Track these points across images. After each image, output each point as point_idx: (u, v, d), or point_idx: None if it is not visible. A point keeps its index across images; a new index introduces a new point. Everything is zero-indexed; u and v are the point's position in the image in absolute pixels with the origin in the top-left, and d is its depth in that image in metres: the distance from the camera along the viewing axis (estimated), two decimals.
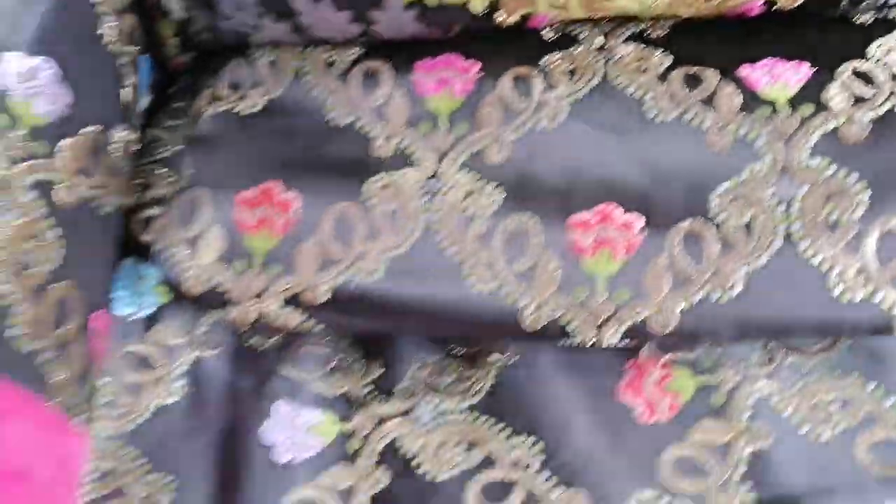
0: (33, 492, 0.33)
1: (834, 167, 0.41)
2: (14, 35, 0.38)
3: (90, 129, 0.41)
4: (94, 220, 0.41)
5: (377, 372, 0.46)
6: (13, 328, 0.33)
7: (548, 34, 0.47)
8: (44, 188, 0.37)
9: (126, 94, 0.46)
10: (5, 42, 0.37)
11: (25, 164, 0.36)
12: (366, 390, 0.45)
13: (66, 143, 0.39)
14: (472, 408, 0.44)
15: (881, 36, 0.45)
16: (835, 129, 0.42)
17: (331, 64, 0.47)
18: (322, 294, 0.42)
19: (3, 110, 0.36)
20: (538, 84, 0.45)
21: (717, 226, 0.41)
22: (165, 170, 0.48)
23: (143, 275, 0.47)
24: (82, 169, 0.40)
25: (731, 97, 0.43)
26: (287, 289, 0.42)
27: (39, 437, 0.34)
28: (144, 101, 0.51)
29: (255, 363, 0.46)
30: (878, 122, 0.41)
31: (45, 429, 0.34)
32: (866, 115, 0.42)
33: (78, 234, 0.39)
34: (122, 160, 0.46)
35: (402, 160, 0.44)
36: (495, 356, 0.45)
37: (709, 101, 0.43)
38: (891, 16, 0.46)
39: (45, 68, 0.39)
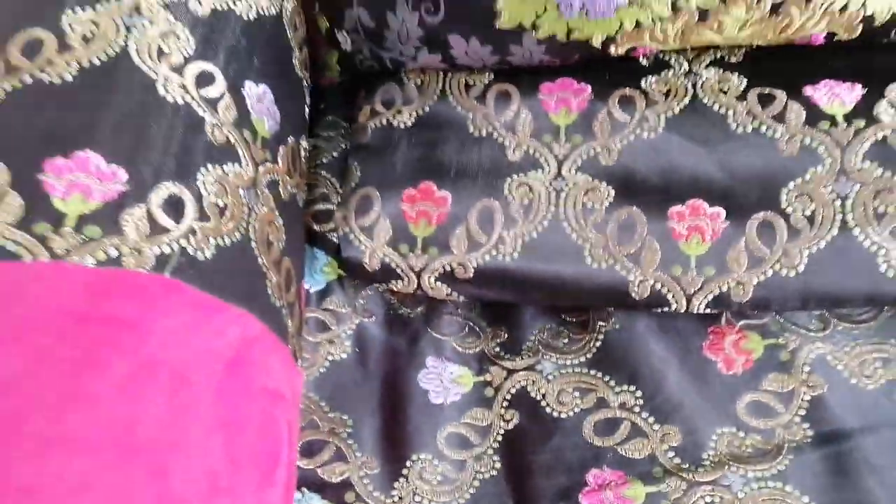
0: (286, 408, 0.44)
1: (881, 169, 0.51)
2: (249, 67, 0.49)
3: (291, 139, 0.53)
4: (296, 211, 0.53)
5: (503, 335, 0.57)
6: (268, 289, 0.45)
7: (643, 61, 0.58)
8: (273, 186, 0.49)
9: (307, 111, 0.58)
10: (244, 72, 0.49)
11: (263, 167, 0.48)
12: (496, 350, 0.56)
13: (281, 150, 0.51)
14: (584, 363, 0.55)
15: None
16: (884, 139, 0.52)
17: (469, 86, 0.59)
18: (469, 270, 0.54)
19: (249, 126, 0.48)
20: (640, 103, 0.56)
21: (786, 217, 0.51)
22: (325, 173, 0.60)
23: (315, 257, 0.60)
24: (289, 171, 0.52)
25: (797, 113, 0.53)
26: (442, 267, 0.54)
27: (286, 370, 0.45)
28: None
29: (405, 327, 0.58)
30: None
31: (288, 365, 0.46)
32: None
33: (290, 221, 0.51)
34: (305, 164, 0.57)
35: (530, 164, 0.55)
36: (601, 323, 0.56)
37: (780, 116, 0.54)
38: None
39: (268, 93, 0.51)
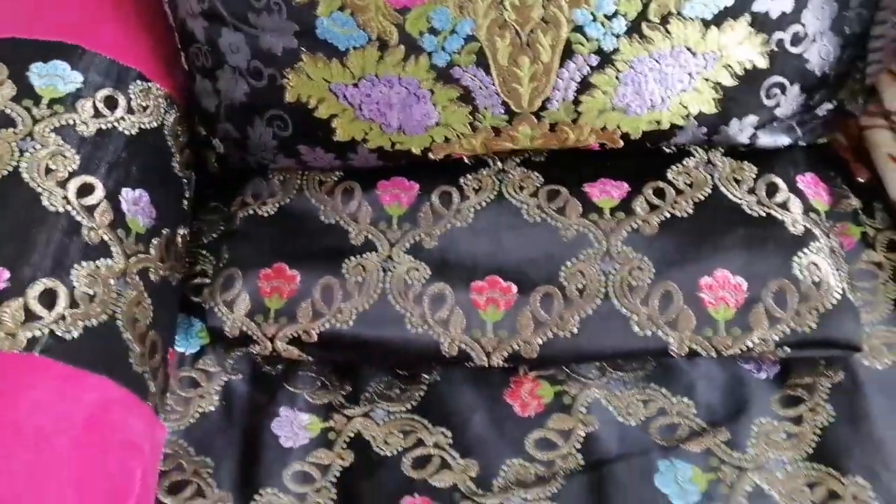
0: (145, 460, 0.55)
1: (634, 252, 0.65)
2: (128, 176, 0.61)
3: (166, 231, 0.65)
4: (167, 290, 0.64)
5: (347, 388, 0.69)
6: (131, 359, 0.56)
7: (466, 160, 0.71)
8: (144, 273, 0.60)
9: (187, 204, 0.70)
10: (122, 181, 0.61)
11: (135, 258, 0.59)
12: (340, 400, 0.68)
13: (155, 242, 0.62)
14: (409, 410, 0.67)
15: (677, 161, 0.70)
16: (637, 228, 0.66)
17: (322, 182, 0.71)
18: (313, 336, 0.65)
19: (123, 226, 0.59)
20: (455, 197, 0.69)
21: (563, 289, 0.64)
22: (206, 252, 0.72)
23: (192, 324, 0.71)
24: (162, 258, 0.63)
25: (575, 206, 0.67)
26: (290, 333, 0.65)
27: (146, 425, 0.56)
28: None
29: (267, 383, 0.69)
30: (664, 223, 0.66)
31: (149, 420, 0.57)
32: (656, 219, 0.66)
33: (159, 300, 0.62)
34: (182, 249, 0.69)
35: (367, 247, 0.68)
36: (425, 376, 0.68)
37: (561, 210, 0.68)
38: (689, 147, 0.71)
39: (144, 196, 0.62)
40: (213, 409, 0.67)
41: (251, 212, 0.71)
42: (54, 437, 0.47)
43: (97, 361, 0.52)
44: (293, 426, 0.67)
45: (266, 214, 0.71)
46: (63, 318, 0.52)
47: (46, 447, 0.46)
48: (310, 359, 0.68)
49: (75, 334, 0.52)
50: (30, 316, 0.50)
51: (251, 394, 0.68)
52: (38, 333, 0.50)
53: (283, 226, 0.70)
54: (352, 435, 0.66)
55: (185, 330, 0.70)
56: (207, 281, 0.69)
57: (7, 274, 0.51)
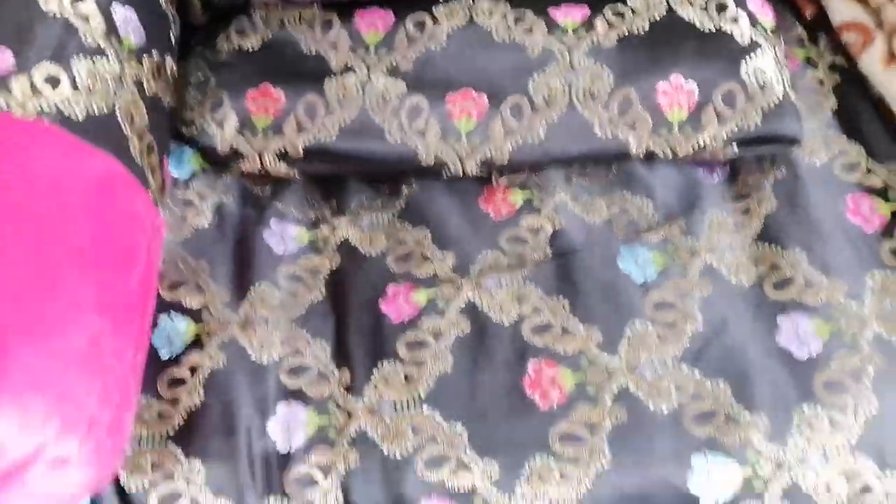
0: (147, 235, 0.59)
1: (595, 62, 0.70)
2: None
3: (156, 54, 0.69)
4: (160, 108, 0.68)
5: (332, 204, 0.74)
6: (131, 150, 0.60)
7: None
8: (138, 84, 0.64)
9: (172, 38, 0.74)
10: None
11: (129, 66, 0.63)
12: (326, 214, 0.73)
13: (146, 60, 0.66)
14: (392, 217, 0.72)
15: None
16: (597, 42, 0.71)
17: (302, 17, 0.76)
18: (298, 150, 0.70)
19: (116, 38, 0.63)
20: (429, 24, 0.74)
21: (531, 99, 0.70)
22: (193, 91, 0.76)
23: (184, 151, 0.75)
24: (154, 77, 0.68)
25: (541, 26, 0.72)
26: (277, 148, 0.70)
27: (147, 210, 0.61)
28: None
29: (256, 202, 0.74)
30: (622, 39, 0.71)
31: (149, 207, 0.61)
32: (615, 35, 0.71)
33: (153, 112, 0.66)
34: (171, 79, 0.73)
35: (346, 70, 0.72)
36: (405, 187, 0.73)
37: (529, 30, 0.73)
38: None
39: (133, 16, 0.66)
40: (207, 224, 0.72)
41: (236, 46, 0.75)
42: (68, 190, 0.51)
43: (101, 140, 0.56)
44: (283, 236, 0.71)
45: (250, 48, 0.75)
46: (67, 98, 0.56)
47: (62, 197, 0.51)
48: (296, 176, 0.73)
49: (80, 115, 0.56)
50: (36, 91, 0.54)
51: (242, 211, 0.73)
52: (45, 107, 0.54)
53: (267, 55, 0.74)
54: (339, 241, 0.71)
55: (179, 157, 0.74)
56: (194, 113, 0.73)
57: (11, 54, 0.54)
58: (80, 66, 0.59)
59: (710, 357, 0.62)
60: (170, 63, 0.73)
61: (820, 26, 0.81)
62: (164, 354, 0.64)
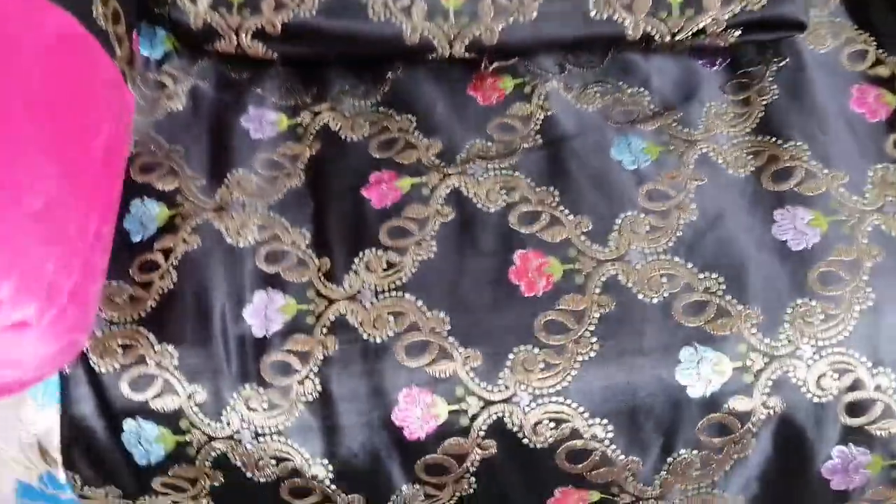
0: (112, 101, 0.56)
1: None
2: None
3: None
4: None
5: (313, 91, 0.70)
6: (93, 12, 0.56)
7: None
8: None
9: None
10: None
11: None
12: (307, 100, 0.69)
13: None
14: (376, 103, 0.68)
15: None
16: None
17: None
18: (276, 27, 0.66)
19: None
20: None
21: None
22: None
23: (155, 32, 0.70)
24: None
25: None
26: (254, 25, 0.66)
27: (111, 77, 0.57)
28: None
29: (233, 87, 0.70)
30: None
31: (116, 79, 0.57)
32: None
33: None
34: None
35: None
36: (390, 73, 0.69)
37: None
38: None
39: None
40: (181, 108, 0.68)
41: None
42: (21, 42, 0.47)
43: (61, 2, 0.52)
44: (262, 121, 0.68)
45: None
46: None
47: (13, 46, 0.47)
48: (276, 59, 0.69)
49: None
50: None
51: (218, 95, 0.69)
52: None
53: None
54: (319, 127, 0.67)
55: (150, 36, 0.70)
56: None
57: None
58: None
59: (703, 248, 0.60)
60: None
61: None
62: (136, 237, 0.61)
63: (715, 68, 0.69)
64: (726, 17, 0.65)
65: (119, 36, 0.59)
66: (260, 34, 0.66)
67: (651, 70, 0.69)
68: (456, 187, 0.63)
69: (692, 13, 0.65)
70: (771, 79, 0.67)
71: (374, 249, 0.60)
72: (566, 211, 0.62)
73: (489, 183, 0.63)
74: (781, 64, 0.68)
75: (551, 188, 0.62)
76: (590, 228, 0.61)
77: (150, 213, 0.62)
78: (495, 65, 0.68)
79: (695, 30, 0.65)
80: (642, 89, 0.68)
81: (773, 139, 0.65)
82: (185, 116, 0.68)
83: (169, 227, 0.61)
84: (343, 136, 0.66)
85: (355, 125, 0.67)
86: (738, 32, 0.66)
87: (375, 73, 0.70)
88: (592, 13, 0.65)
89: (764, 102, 0.66)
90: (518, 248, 0.60)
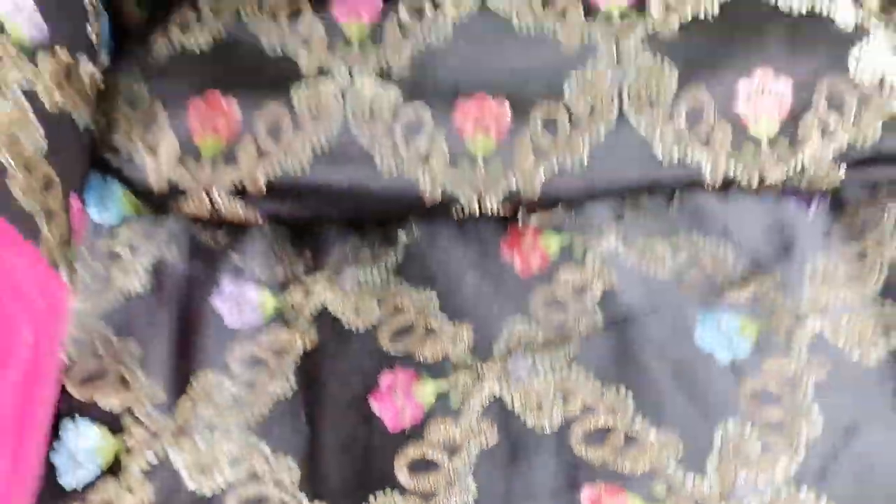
0: (37, 317, 0.41)
1: (653, 56, 0.52)
2: None
3: (63, 54, 0.51)
4: (67, 127, 0.50)
5: (306, 256, 0.56)
6: (13, 188, 0.42)
7: None
8: (31, 94, 0.46)
9: (90, 34, 0.56)
10: None
11: (16, 70, 0.45)
12: (298, 271, 0.55)
13: (47, 61, 0.48)
14: (384, 274, 0.54)
15: None
16: (653, 29, 0.53)
17: (261, 5, 0.57)
18: (259, 182, 0.52)
19: (6, 35, 0.45)
20: (429, 10, 0.56)
21: (568, 108, 0.52)
22: (125, 107, 0.57)
23: (109, 188, 0.57)
24: (59, 84, 0.49)
25: (577, 10, 0.54)
26: (231, 181, 0.52)
27: (37, 274, 0.43)
28: (105, 59, 0.60)
29: (207, 255, 0.55)
30: (685, 25, 0.53)
31: (42, 270, 0.43)
32: (676, 19, 0.53)
33: (58, 134, 0.48)
34: (90, 89, 0.55)
35: (321, 74, 0.54)
36: (402, 234, 0.55)
37: (562, 14, 0.54)
38: None
39: (29, 3, 0.48)
40: (140, 288, 0.53)
41: (178, 45, 0.56)
42: None
43: None
44: (239, 302, 0.53)
45: (197, 49, 0.56)
46: None
47: None
48: (258, 219, 0.55)
49: None
50: None
51: (187, 270, 0.54)
52: None
53: (217, 57, 0.56)
54: (314, 310, 0.53)
55: (101, 195, 0.56)
56: (122, 135, 0.55)
57: None
58: None
59: (838, 475, 0.44)
60: (87, 68, 0.54)
61: None
62: (67, 479, 0.45)
63: (812, 209, 0.55)
64: (831, 153, 0.51)
65: (51, 210, 0.46)
66: (238, 192, 0.52)
67: (731, 217, 0.54)
68: (496, 395, 0.48)
69: (787, 149, 0.51)
70: (892, 226, 0.52)
71: (390, 493, 0.45)
72: (646, 423, 0.46)
73: (539, 385, 0.47)
74: None
75: (622, 389, 0.47)
76: (680, 450, 0.45)
77: (87, 444, 0.46)
78: (535, 218, 0.54)
79: (791, 169, 0.51)
80: (724, 242, 0.53)
81: None
82: (144, 300, 0.53)
83: (113, 468, 0.46)
84: (345, 323, 0.52)
85: (360, 306, 0.52)
86: (843, 170, 0.52)
87: (385, 232, 0.55)
88: (659, 153, 0.51)
89: (887, 257, 0.52)
90: (586, 482, 0.44)
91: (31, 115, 0.46)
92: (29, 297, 0.41)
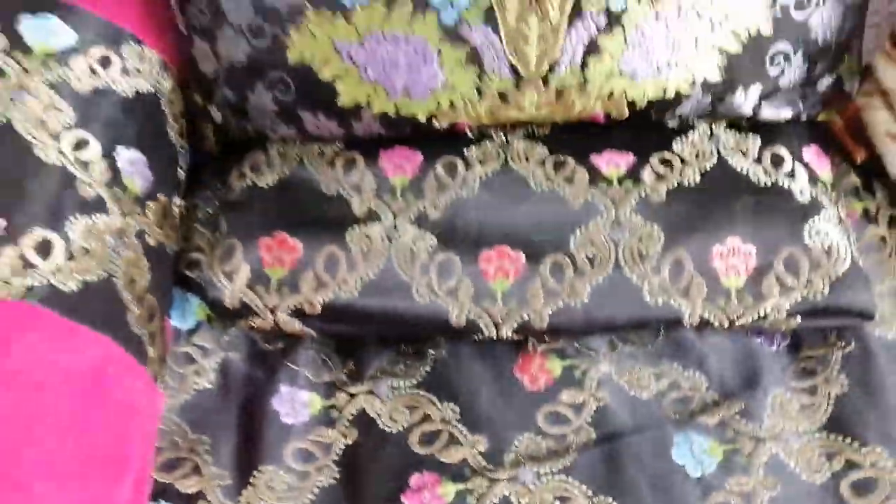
0: (142, 422, 0.51)
1: (644, 220, 0.64)
2: (123, 136, 0.59)
3: (162, 197, 0.62)
4: (164, 257, 0.62)
5: (350, 367, 0.66)
6: (130, 321, 0.53)
7: (469, 133, 0.70)
8: (140, 235, 0.58)
9: (182, 175, 0.68)
10: (118, 140, 0.58)
11: (132, 218, 0.57)
12: (342, 378, 0.65)
13: (151, 206, 0.60)
14: (415, 385, 0.64)
15: (681, 134, 0.69)
16: (646, 197, 0.65)
17: (322, 154, 0.69)
18: (316, 307, 0.63)
19: (119, 185, 0.57)
20: (461, 168, 0.68)
21: (573, 258, 0.63)
22: (201, 227, 0.69)
23: (187, 300, 0.68)
24: (159, 223, 0.61)
25: (583, 176, 0.66)
26: (293, 304, 0.63)
27: (144, 389, 0.53)
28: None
29: (265, 360, 0.66)
30: (672, 192, 0.65)
31: (147, 385, 0.54)
32: (664, 187, 0.65)
33: (156, 265, 0.59)
34: (177, 218, 0.66)
35: (371, 217, 0.65)
36: (431, 351, 0.66)
37: (569, 179, 0.67)
38: (690, 121, 0.71)
39: (141, 158, 0.60)
40: (209, 385, 0.64)
41: (250, 183, 0.69)
42: (50, 391, 0.44)
43: (96, 318, 0.49)
44: (294, 403, 0.64)
45: (265, 186, 0.69)
46: (60, 269, 0.49)
47: (42, 400, 0.43)
48: (312, 333, 0.65)
49: (73, 287, 0.49)
50: (26, 264, 0.48)
51: (249, 371, 0.65)
52: (35, 282, 0.47)
53: (283, 196, 0.68)
54: (355, 412, 0.63)
55: (181, 306, 0.67)
56: (204, 257, 0.66)
57: (3, 222, 0.48)
58: (77, 227, 0.52)
59: None
60: (177, 202, 0.66)
61: (874, 171, 0.76)
62: None
63: (775, 348, 0.66)
64: (788, 305, 0.62)
65: (153, 333, 0.56)
66: (298, 313, 0.64)
67: (707, 350, 0.65)
68: (506, 497, 0.57)
69: (751, 301, 0.62)
70: (838, 367, 0.63)
71: None
72: None
73: (542, 492, 0.57)
74: (847, 350, 0.64)
75: (609, 499, 0.57)
76: None
77: None
78: (542, 345, 0.65)
79: (755, 317, 0.62)
80: (699, 373, 0.64)
81: (848, 440, 0.60)
82: (213, 396, 0.64)
83: None
84: (381, 426, 0.62)
85: (394, 412, 0.63)
86: (798, 319, 0.63)
87: (416, 350, 0.66)
88: (647, 298, 0.62)
89: (834, 393, 0.62)
90: None
91: (142, 256, 0.57)
92: (141, 414, 0.51)
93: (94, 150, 0.56)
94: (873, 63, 0.74)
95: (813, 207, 0.65)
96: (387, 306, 0.63)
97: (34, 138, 0.53)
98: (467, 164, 0.68)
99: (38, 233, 0.49)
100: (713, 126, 0.70)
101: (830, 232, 0.63)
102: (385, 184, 0.68)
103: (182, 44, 0.68)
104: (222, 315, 0.65)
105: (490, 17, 0.59)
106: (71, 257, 0.50)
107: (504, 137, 0.70)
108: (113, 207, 0.55)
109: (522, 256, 0.63)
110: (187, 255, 0.67)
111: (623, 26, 0.60)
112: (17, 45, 0.57)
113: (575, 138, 0.69)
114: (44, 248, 0.49)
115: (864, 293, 0.62)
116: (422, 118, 0.66)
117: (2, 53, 0.56)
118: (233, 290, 0.63)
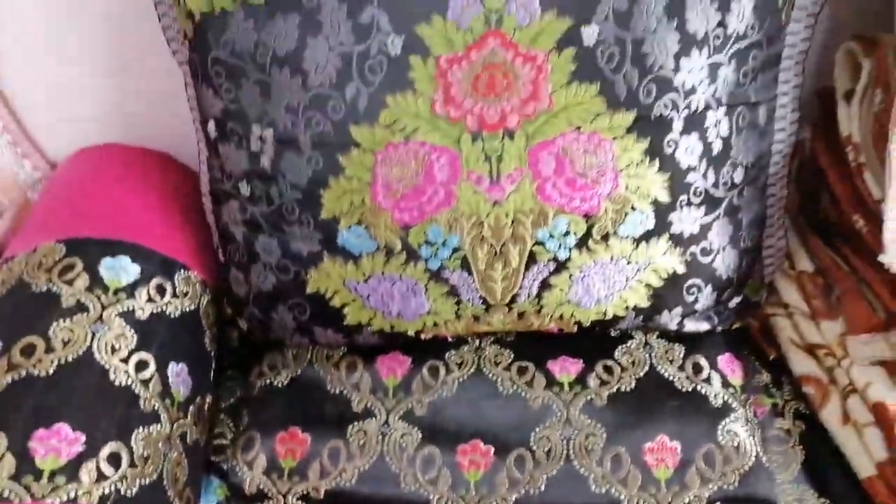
0: None
1: (589, 420, 0.79)
2: (172, 352, 0.74)
3: (199, 399, 0.76)
4: (197, 451, 0.75)
5: None
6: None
7: (450, 339, 0.86)
8: (183, 437, 0.71)
9: (212, 374, 0.82)
10: (169, 356, 0.73)
11: (177, 424, 0.70)
12: None
13: (191, 409, 0.74)
14: None
15: (621, 343, 0.85)
16: (591, 399, 0.80)
17: (329, 357, 0.85)
18: (320, 493, 0.76)
19: (169, 396, 0.71)
20: (442, 371, 0.83)
21: (532, 452, 0.77)
22: (224, 416, 0.83)
23: (210, 481, 0.80)
24: (195, 423, 0.75)
25: (541, 380, 0.82)
26: (301, 490, 0.76)
27: None
28: None
29: None
30: (612, 396, 0.81)
31: None
32: (606, 392, 0.81)
33: (192, 459, 0.72)
34: (206, 413, 0.80)
35: (367, 414, 0.80)
36: None
37: (530, 382, 0.82)
38: (629, 331, 0.87)
39: (184, 368, 0.74)
40: None
41: (268, 381, 0.84)
42: None
43: None
44: None
45: (280, 384, 0.84)
46: (125, 476, 0.62)
47: None
48: None
49: (134, 491, 0.62)
50: (101, 476, 0.61)
51: None
52: (107, 491, 0.60)
53: (295, 394, 0.83)
54: None
55: (205, 487, 0.80)
56: (226, 442, 0.80)
57: (84, 437, 0.61)
58: (139, 437, 0.66)
59: None
60: (208, 399, 0.80)
61: (784, 370, 0.92)
62: None
63: None
64: (707, 494, 0.76)
65: None
66: (305, 497, 0.76)
67: None
68: None
69: (677, 489, 0.76)
70: None
71: None
72: None
73: None
74: None
75: None
76: None
77: None
78: None
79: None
80: None
81: None
82: None
83: None
84: None
85: None
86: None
87: None
88: (593, 488, 0.76)
89: None
90: None
91: (183, 455, 0.70)
92: None
93: (151, 368, 0.70)
94: (775, 281, 0.93)
95: (725, 410, 0.80)
96: (378, 493, 0.76)
97: (108, 364, 0.67)
98: (447, 368, 0.83)
99: (111, 446, 0.63)
100: (647, 336, 0.87)
101: (739, 431, 0.79)
102: (380, 384, 0.83)
103: (218, 267, 0.85)
104: (240, 498, 0.78)
105: (465, 265, 0.77)
106: (133, 465, 0.64)
107: (478, 342, 0.86)
108: (164, 416, 0.69)
109: (492, 450, 0.78)
110: (212, 441, 0.81)
111: (568, 270, 0.78)
112: (97, 283, 0.73)
113: (535, 345, 0.86)
114: (114, 460, 0.63)
115: (767, 484, 0.77)
116: (411, 333, 0.82)
117: (86, 292, 0.72)
118: (252, 477, 0.76)
